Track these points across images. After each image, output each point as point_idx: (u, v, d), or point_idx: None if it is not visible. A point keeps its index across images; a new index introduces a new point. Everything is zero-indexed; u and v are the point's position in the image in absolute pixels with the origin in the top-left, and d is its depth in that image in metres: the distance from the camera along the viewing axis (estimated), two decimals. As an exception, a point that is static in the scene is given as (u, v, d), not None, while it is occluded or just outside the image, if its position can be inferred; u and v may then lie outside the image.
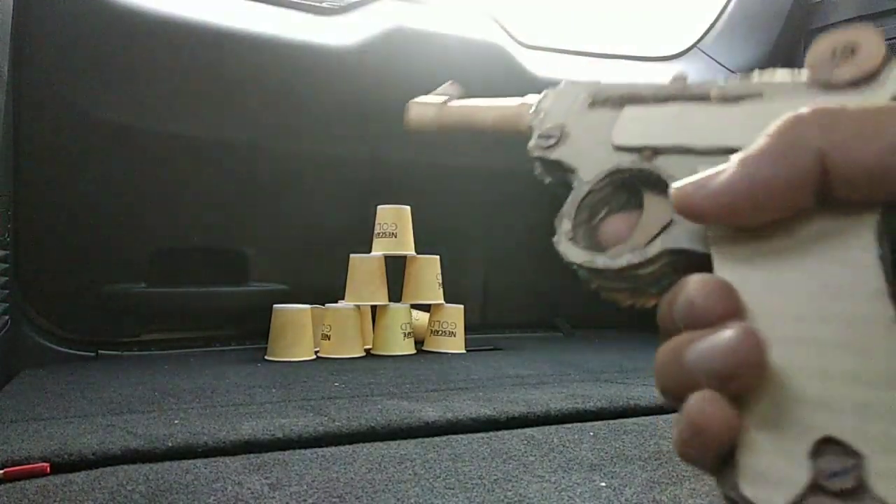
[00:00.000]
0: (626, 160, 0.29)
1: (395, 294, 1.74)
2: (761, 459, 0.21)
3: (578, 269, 0.29)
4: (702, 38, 2.24)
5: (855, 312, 0.21)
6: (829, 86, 0.25)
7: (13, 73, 1.35)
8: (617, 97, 0.31)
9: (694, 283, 0.23)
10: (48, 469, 0.75)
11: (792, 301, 0.22)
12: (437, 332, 1.74)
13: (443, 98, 0.39)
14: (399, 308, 1.69)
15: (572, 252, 0.29)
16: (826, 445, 0.21)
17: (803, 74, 0.26)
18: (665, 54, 2.23)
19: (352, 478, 0.75)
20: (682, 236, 0.26)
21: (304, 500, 0.69)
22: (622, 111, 0.30)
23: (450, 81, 0.40)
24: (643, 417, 1.04)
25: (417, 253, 1.74)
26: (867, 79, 0.25)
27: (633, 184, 0.30)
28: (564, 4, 2.48)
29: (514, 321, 2.09)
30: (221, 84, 1.61)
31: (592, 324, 2.12)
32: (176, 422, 0.94)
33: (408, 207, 1.74)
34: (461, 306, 1.75)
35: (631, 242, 0.29)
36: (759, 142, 0.22)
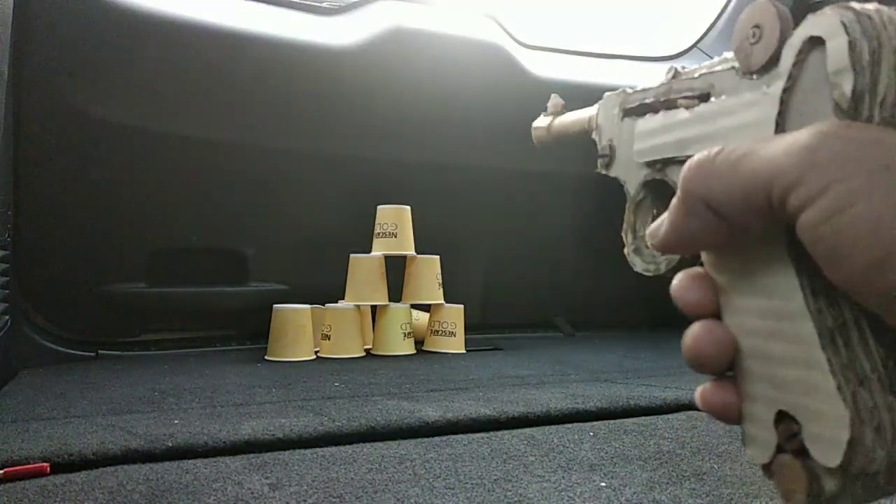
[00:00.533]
0: (649, 173, 0.35)
1: (395, 294, 1.74)
2: (751, 426, 0.27)
3: None
4: (702, 38, 2.24)
5: (782, 310, 0.26)
6: (749, 73, 0.27)
7: (13, 73, 1.35)
8: (636, 106, 0.35)
9: (676, 279, 0.29)
10: (48, 469, 0.75)
11: (748, 301, 0.27)
12: (437, 332, 1.74)
13: (549, 119, 0.45)
14: (399, 308, 1.69)
15: (637, 263, 0.36)
16: (783, 415, 0.26)
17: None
18: (665, 54, 2.23)
19: (352, 478, 0.75)
20: None
21: (304, 500, 0.69)
22: (636, 124, 0.35)
23: (553, 96, 0.46)
24: (643, 417, 1.04)
25: (417, 253, 1.75)
26: (772, 61, 0.26)
27: (663, 189, 0.34)
28: (564, 4, 2.48)
29: (514, 321, 2.08)
30: (221, 84, 1.61)
31: (592, 324, 2.12)
32: (176, 422, 0.94)
33: (408, 207, 1.74)
34: (461, 306, 1.75)
35: None
36: (678, 193, 0.26)
